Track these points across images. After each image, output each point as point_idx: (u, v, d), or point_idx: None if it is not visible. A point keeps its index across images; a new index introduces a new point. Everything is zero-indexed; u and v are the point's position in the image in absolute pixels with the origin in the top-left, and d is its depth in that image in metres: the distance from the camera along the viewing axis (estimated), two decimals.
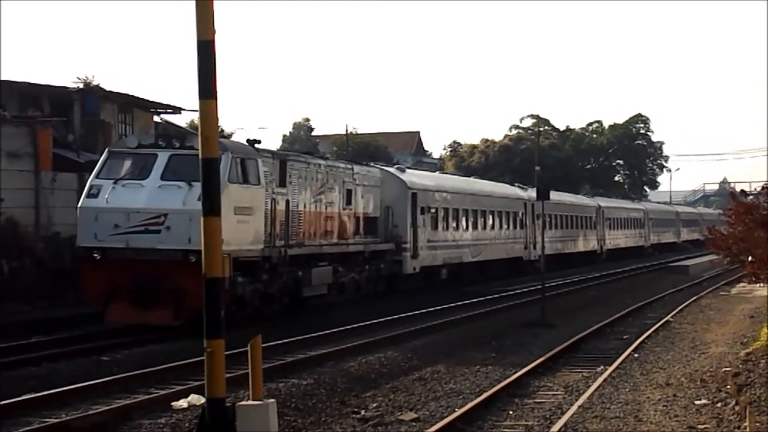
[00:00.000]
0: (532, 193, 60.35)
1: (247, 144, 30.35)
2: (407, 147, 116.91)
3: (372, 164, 41.41)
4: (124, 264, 27.09)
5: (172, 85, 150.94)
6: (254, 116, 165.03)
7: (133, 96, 27.58)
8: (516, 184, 62.19)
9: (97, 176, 28.09)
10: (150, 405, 17.49)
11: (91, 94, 28.60)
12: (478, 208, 50.56)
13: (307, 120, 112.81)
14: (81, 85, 39.08)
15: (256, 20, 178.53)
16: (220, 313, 11.52)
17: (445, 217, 46.05)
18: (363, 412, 17.44)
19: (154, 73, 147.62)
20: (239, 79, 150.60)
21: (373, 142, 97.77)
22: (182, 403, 17.59)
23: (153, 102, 32.36)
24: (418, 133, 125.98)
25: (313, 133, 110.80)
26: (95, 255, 27.22)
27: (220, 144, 27.85)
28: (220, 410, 11.42)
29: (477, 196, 51.20)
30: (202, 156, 11.85)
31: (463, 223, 48.42)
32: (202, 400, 13.02)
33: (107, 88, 36.82)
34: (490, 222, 52.28)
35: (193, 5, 11.25)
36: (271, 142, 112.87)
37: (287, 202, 31.36)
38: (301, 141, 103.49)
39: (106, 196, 27.46)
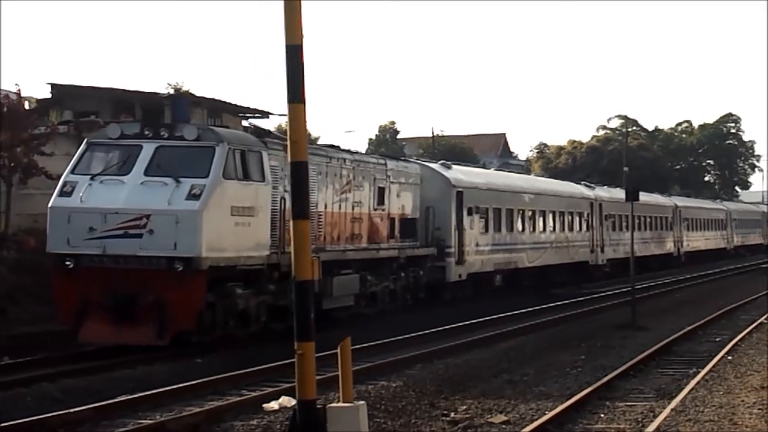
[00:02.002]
0: (599, 191, 56.05)
1: (250, 134, 26.41)
2: (493, 149, 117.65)
3: (410, 159, 37.12)
4: (99, 273, 23.27)
5: (260, 90, 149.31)
6: (341, 120, 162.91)
7: (222, 101, 26.69)
8: (582, 183, 57.71)
9: (72, 171, 24.26)
10: (241, 407, 17.56)
11: (181, 99, 27.89)
12: (536, 209, 46.09)
13: (393, 123, 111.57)
14: (171, 91, 39.46)
15: (342, 24, 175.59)
16: (310, 316, 11.63)
17: (497, 218, 41.67)
18: (452, 414, 17.31)
19: (242, 78, 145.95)
20: (326, 83, 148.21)
21: (459, 144, 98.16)
22: (273, 404, 17.63)
23: (241, 107, 31.15)
24: (504, 135, 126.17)
25: (399, 136, 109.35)
26: (67, 263, 23.39)
27: (214, 133, 23.98)
28: (311, 412, 11.66)
29: (536, 195, 46.68)
30: (292, 159, 11.90)
31: (519, 224, 43.96)
32: (293, 401, 13.65)
33: (197, 93, 36.59)
34: (551, 223, 47.80)
35: (281, 10, 11.43)
36: (358, 145, 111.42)
37: None
38: (387, 144, 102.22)
39: (81, 195, 23.62)
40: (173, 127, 24.56)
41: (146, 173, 23.73)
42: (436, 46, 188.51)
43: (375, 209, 32.25)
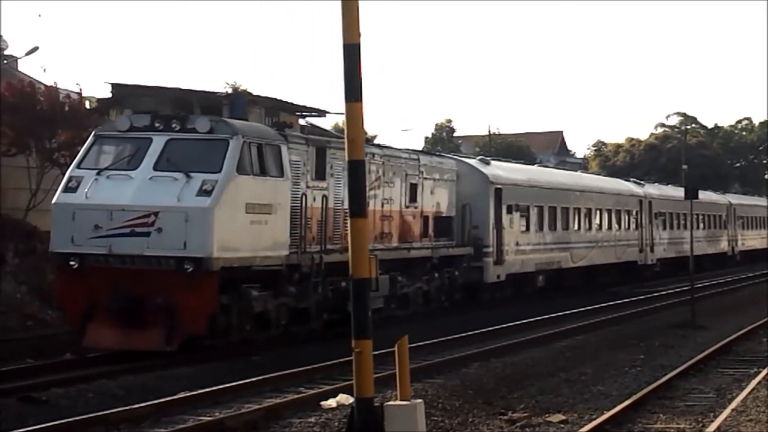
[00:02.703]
0: (649, 189, 54.16)
1: (268, 126, 24.99)
2: (550, 147, 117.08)
3: (445, 154, 35.49)
4: (105, 274, 21.92)
5: (317, 88, 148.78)
6: (397, 118, 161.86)
7: (279, 100, 27.11)
8: (631, 180, 55.82)
9: (78, 165, 22.93)
10: (300, 404, 17.60)
11: (238, 98, 27.15)
12: (582, 206, 44.28)
13: (449, 121, 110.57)
14: (229, 90, 39.62)
15: (399, 22, 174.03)
16: (367, 314, 11.74)
17: (539, 216, 39.93)
18: (510, 413, 17.18)
19: (300, 77, 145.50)
20: (383, 81, 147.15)
21: (516, 142, 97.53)
22: (331, 402, 17.58)
23: (299, 105, 30.59)
24: (561, 132, 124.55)
25: (455, 134, 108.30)
26: (72, 263, 22.06)
27: (228, 126, 22.42)
28: (368, 410, 11.76)
29: (581, 192, 44.86)
30: (349, 158, 11.91)
31: (564, 222, 42.17)
32: (351, 399, 13.50)
33: (255, 92, 35.24)
34: (597, 221, 45.97)
35: (339, 9, 11.46)
36: (414, 143, 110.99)
37: (324, 198, 25.87)
38: (443, 142, 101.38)
39: (86, 190, 22.26)
40: (185, 119, 23.15)
41: (155, 168, 22.37)
42: (494, 43, 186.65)
43: (407, 207, 30.73)
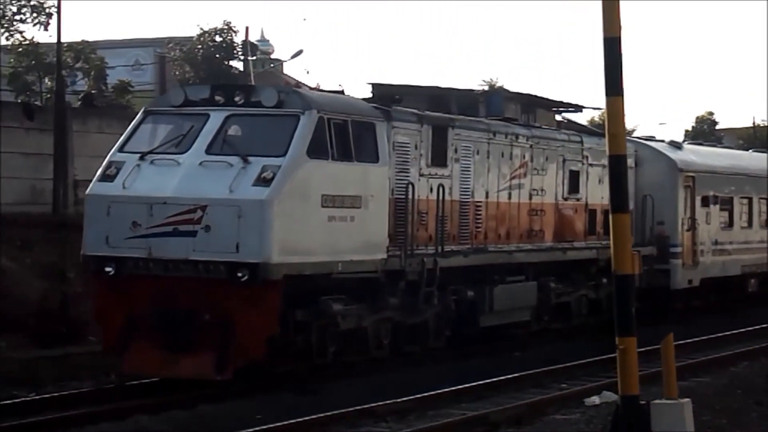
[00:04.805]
0: None
1: (356, 98, 20.37)
2: None
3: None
4: (146, 283, 17.69)
5: (572, 84, 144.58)
6: (654, 112, 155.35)
7: (535, 96, 26.91)
8: None
9: (120, 149, 18.72)
10: (563, 400, 17.56)
11: (495, 95, 27.36)
12: None
13: (711, 114, 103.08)
14: (486, 87, 39.20)
15: (657, 15, 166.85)
16: (631, 311, 11.73)
17: (748, 209, 33.83)
18: None
19: (554, 72, 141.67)
20: (640, 74, 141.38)
21: None
22: (594, 399, 17.38)
23: (554, 101, 28.90)
24: None
25: (717, 127, 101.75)
26: (107, 269, 17.87)
27: (300, 98, 17.13)
28: (634, 408, 11.71)
29: None
30: (610, 152, 11.92)
31: None
32: (614, 397, 13.67)
33: (511, 89, 34.86)
34: None
35: (599, 3, 11.46)
36: (673, 137, 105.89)
37: (442, 188, 20.99)
38: (704, 135, 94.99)
39: (124, 179, 18.05)
40: (251, 91, 18.71)
41: (208, 151, 17.99)
42: (759, 31, 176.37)
43: (565, 198, 25.50)
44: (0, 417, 15.59)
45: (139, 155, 18.23)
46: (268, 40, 59.78)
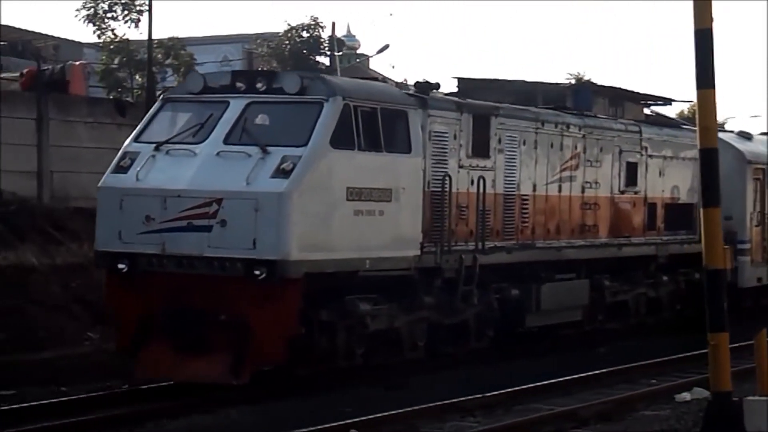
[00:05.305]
0: None
1: (388, 85, 19.19)
2: None
3: (686, 125, 28.29)
4: (160, 281, 16.67)
5: (661, 77, 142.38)
6: (747, 104, 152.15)
7: (622, 89, 26.54)
8: None
9: (136, 138, 17.70)
10: (652, 396, 17.51)
11: (582, 89, 27.44)
12: None
13: None
14: (573, 81, 40.32)
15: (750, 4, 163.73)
16: (723, 306, 11.75)
17: None
18: None
19: (643, 65, 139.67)
20: (731, 65, 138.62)
21: None
22: (685, 395, 17.28)
23: (643, 94, 28.41)
24: None
25: None
26: (120, 266, 16.87)
27: (324, 84, 15.48)
28: (726, 404, 11.76)
29: None
30: (701, 146, 11.96)
31: None
32: (706, 393, 14.07)
33: (598, 82, 34.69)
34: None
35: None
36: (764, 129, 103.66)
37: (483, 180, 19.73)
38: None
39: (138, 170, 17.03)
40: (272, 77, 17.59)
41: (226, 140, 16.91)
42: None
43: (622, 192, 24.07)
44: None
45: (153, 145, 17.21)
46: (354, 36, 59.95)
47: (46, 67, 30.05)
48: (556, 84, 25.97)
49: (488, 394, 16.48)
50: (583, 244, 22.65)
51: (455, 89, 23.33)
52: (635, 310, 24.54)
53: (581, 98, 24.06)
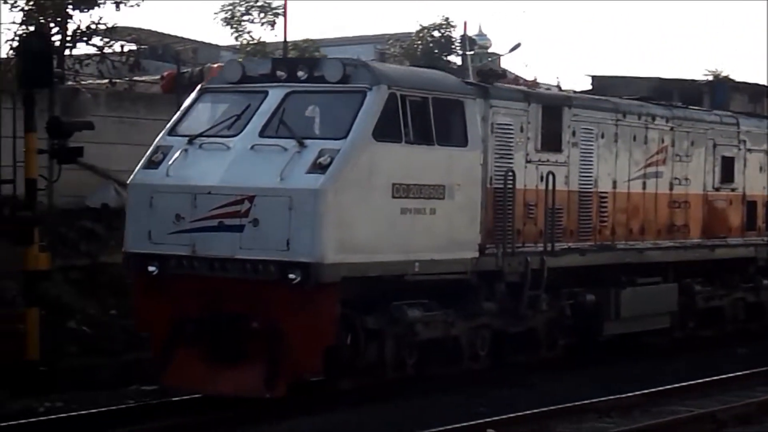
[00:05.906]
0: None
1: (443, 73, 17.69)
2: None
3: None
4: (191, 284, 15.45)
5: None
6: None
7: (762, 85, 25.83)
8: None
9: (170, 132, 16.51)
10: None
11: (720, 85, 26.34)
12: None
13: None
14: (710, 78, 38.97)
15: None
16: None
17: None
18: None
19: None
20: None
21: None
22: None
23: None
24: None
25: None
26: (150, 269, 15.70)
27: (369, 72, 13.24)
28: None
29: None
30: None
31: None
32: None
33: (737, 78, 35.39)
34: None
35: None
36: None
37: (553, 175, 18.15)
38: None
39: (169, 166, 15.84)
40: (314, 65, 16.24)
41: (262, 133, 15.62)
42: None
43: (716, 189, 22.24)
44: None
45: (186, 139, 16.00)
46: (485, 35, 59.29)
47: (185, 70, 29.71)
48: (693, 81, 25.09)
49: (626, 395, 16.31)
50: (670, 246, 20.91)
51: (589, 87, 22.89)
52: (732, 316, 22.71)
53: (719, 95, 23.53)
